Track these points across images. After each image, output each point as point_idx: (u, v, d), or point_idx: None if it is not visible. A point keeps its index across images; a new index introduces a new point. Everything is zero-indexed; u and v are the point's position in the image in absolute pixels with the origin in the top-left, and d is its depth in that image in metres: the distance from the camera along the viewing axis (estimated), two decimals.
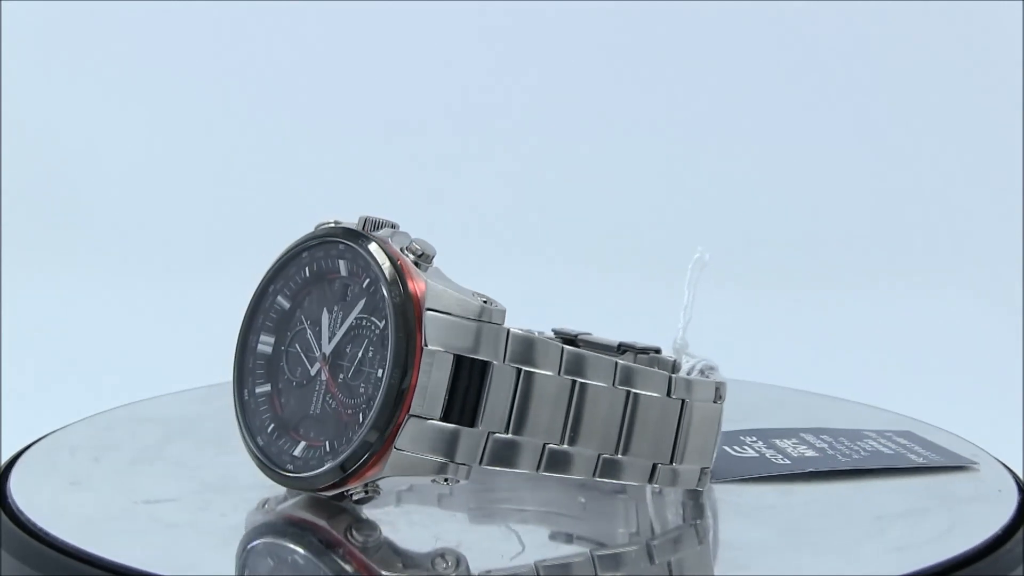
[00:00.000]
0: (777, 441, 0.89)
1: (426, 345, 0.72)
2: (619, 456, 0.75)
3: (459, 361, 0.72)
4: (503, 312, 0.73)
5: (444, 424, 0.72)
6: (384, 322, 0.74)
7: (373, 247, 0.75)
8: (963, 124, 1.49)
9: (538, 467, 0.74)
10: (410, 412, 0.72)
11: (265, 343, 0.79)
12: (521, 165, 1.55)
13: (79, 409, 0.94)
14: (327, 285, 0.77)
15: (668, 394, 0.76)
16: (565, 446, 0.74)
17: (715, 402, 0.78)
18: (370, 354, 0.75)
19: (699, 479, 0.78)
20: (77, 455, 0.85)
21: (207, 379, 0.99)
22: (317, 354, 0.77)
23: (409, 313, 0.72)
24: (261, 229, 1.53)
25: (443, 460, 0.72)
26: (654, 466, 0.76)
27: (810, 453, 0.86)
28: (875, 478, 0.84)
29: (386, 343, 0.73)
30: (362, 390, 0.74)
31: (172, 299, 1.41)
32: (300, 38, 1.68)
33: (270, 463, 0.77)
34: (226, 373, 0.95)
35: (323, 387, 0.76)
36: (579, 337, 0.90)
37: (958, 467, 0.85)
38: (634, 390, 0.75)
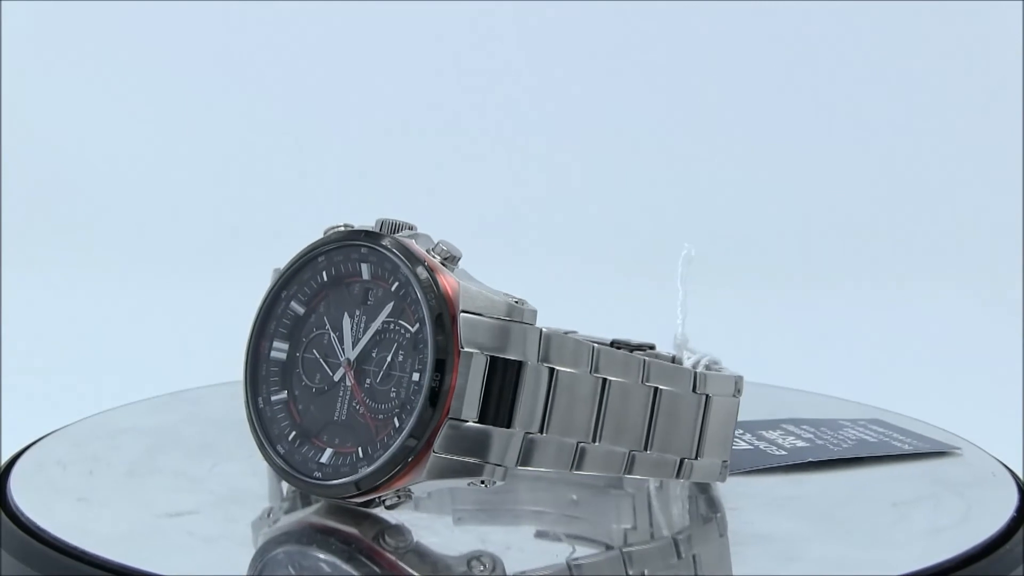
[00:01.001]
0: (764, 433, 0.90)
1: (462, 347, 0.72)
2: (648, 452, 0.76)
3: (493, 362, 0.72)
4: (535, 312, 0.73)
5: (482, 426, 0.71)
6: (417, 325, 0.73)
7: (400, 249, 0.74)
8: (963, 123, 1.51)
9: (572, 466, 0.75)
10: (448, 415, 0.71)
11: (279, 350, 0.78)
12: (511, 163, 1.54)
13: (79, 409, 0.92)
14: (345, 289, 0.76)
15: (693, 390, 0.77)
16: (597, 444, 0.74)
17: (734, 396, 0.79)
18: (400, 358, 0.74)
19: (720, 472, 0.79)
20: (70, 467, 0.83)
21: (205, 380, 0.99)
22: (341, 359, 0.76)
23: (445, 316, 0.72)
24: (260, 230, 1.54)
25: (481, 462, 0.72)
26: (681, 460, 0.77)
27: (801, 444, 0.88)
28: (867, 466, 0.86)
29: (419, 346, 0.73)
30: (393, 394, 0.74)
31: (172, 299, 1.37)
32: (299, 38, 1.66)
33: (295, 471, 0.75)
34: (218, 374, 0.97)
35: (348, 392, 0.75)
36: (567, 335, 0.90)
37: (941, 452, 0.88)
38: (661, 386, 0.76)
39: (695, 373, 0.77)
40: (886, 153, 1.54)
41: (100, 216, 1.62)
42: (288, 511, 0.79)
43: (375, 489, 0.73)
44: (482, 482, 0.73)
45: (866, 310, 1.43)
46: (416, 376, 0.73)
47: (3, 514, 0.75)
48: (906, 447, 0.88)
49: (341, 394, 0.76)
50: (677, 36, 1.58)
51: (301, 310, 0.77)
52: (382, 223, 0.76)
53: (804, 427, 0.92)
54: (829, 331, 1.38)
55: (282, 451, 0.76)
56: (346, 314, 0.76)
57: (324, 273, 0.77)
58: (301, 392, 0.77)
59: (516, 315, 0.72)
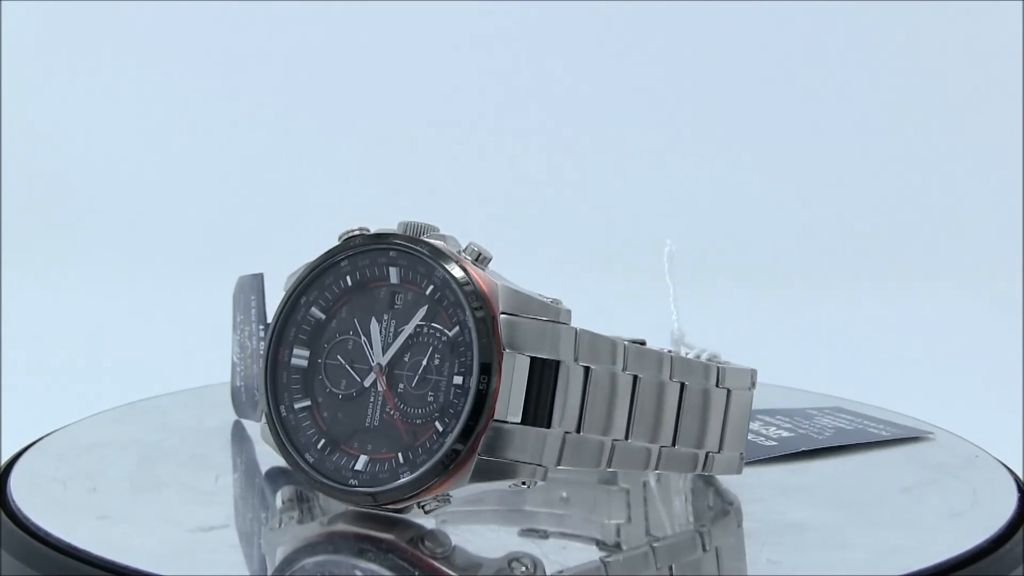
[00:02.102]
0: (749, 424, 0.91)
1: (504, 349, 0.71)
2: (675, 447, 0.77)
3: (532, 362, 0.72)
4: (569, 312, 0.73)
5: (525, 427, 0.71)
6: (456, 328, 0.73)
7: (434, 252, 0.73)
8: (964, 123, 1.53)
9: (607, 464, 0.75)
10: (494, 417, 0.71)
11: (299, 356, 0.76)
12: (505, 162, 1.53)
13: (80, 409, 0.91)
14: (370, 294, 0.75)
15: (717, 384, 0.78)
16: (629, 441, 0.75)
17: (749, 389, 0.80)
18: (436, 361, 0.73)
19: (738, 464, 0.80)
20: (71, 480, 0.80)
21: (199, 380, 0.98)
22: (372, 364, 0.75)
23: (488, 318, 0.72)
24: (260, 230, 1.51)
25: (524, 463, 0.72)
26: (706, 455, 0.78)
27: (786, 434, 0.90)
28: (850, 452, 0.88)
29: (459, 349, 0.72)
30: (431, 398, 0.73)
31: (171, 299, 1.33)
32: (299, 38, 1.64)
33: (327, 479, 0.74)
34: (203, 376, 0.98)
35: (379, 398, 0.74)
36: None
37: (915, 438, 0.91)
38: (687, 382, 0.77)
39: (718, 368, 0.78)
40: (885, 152, 1.55)
41: (99, 216, 1.60)
42: (300, 520, 0.78)
43: (417, 494, 0.72)
44: (523, 483, 0.73)
45: (865, 309, 1.44)
46: (459, 379, 0.72)
47: (3, 514, 0.74)
48: (883, 433, 0.91)
49: (372, 400, 0.75)
50: (678, 34, 1.59)
51: (322, 316, 0.76)
52: (406, 225, 0.75)
53: (779, 417, 0.93)
54: (827, 329, 1.40)
55: (311, 459, 0.75)
56: (373, 319, 0.75)
57: (348, 278, 0.76)
58: (325, 399, 0.76)
59: (553, 315, 0.72)
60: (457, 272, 0.73)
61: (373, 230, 0.76)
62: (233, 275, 0.89)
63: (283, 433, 0.76)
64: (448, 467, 0.71)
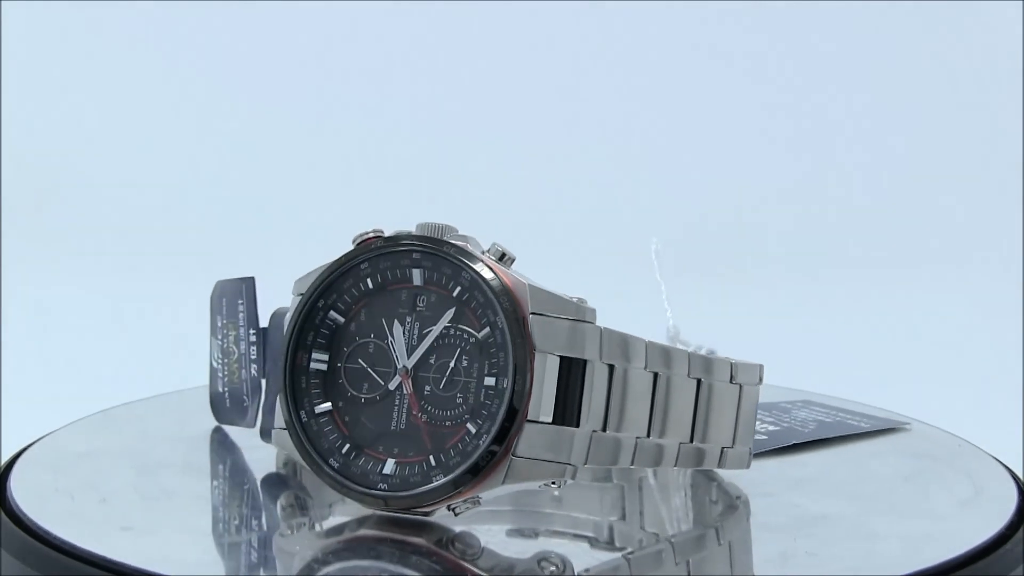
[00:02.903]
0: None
1: (536, 349, 0.71)
2: (693, 443, 0.77)
3: (561, 362, 0.72)
4: (594, 311, 0.73)
5: (556, 427, 0.72)
6: (487, 329, 0.73)
7: (461, 253, 0.73)
8: (964, 123, 1.54)
9: (632, 461, 0.75)
10: (527, 418, 0.71)
11: (319, 360, 0.75)
12: (501, 161, 1.53)
13: (80, 409, 0.91)
14: (390, 296, 0.75)
15: (730, 380, 0.79)
16: (652, 438, 0.75)
17: (758, 384, 0.81)
18: (464, 363, 0.73)
19: (748, 459, 0.81)
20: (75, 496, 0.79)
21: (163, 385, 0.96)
22: (399, 367, 0.74)
23: (520, 318, 0.72)
24: (260, 231, 1.48)
25: (556, 463, 0.72)
26: (722, 450, 0.79)
27: (772, 428, 0.91)
28: (838, 444, 0.89)
29: (489, 350, 0.72)
30: (460, 400, 0.73)
31: (169, 299, 1.29)
32: (300, 38, 1.63)
33: (355, 484, 0.73)
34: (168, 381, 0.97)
35: (405, 401, 0.74)
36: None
37: (892, 428, 0.92)
38: (703, 378, 0.77)
39: (731, 363, 0.79)
40: (884, 151, 1.56)
41: (98, 216, 1.58)
42: (311, 526, 0.77)
43: (450, 497, 0.72)
44: (553, 483, 0.73)
45: (864, 308, 1.45)
46: (491, 380, 0.72)
47: (3, 514, 0.74)
48: (863, 425, 0.92)
49: (397, 403, 0.74)
50: (680, 33, 1.59)
51: (341, 319, 0.75)
52: (426, 227, 0.75)
53: (759, 412, 0.94)
54: (825, 328, 1.41)
55: (336, 464, 0.74)
56: (396, 321, 0.75)
57: (368, 280, 0.75)
58: (346, 403, 0.75)
59: (580, 314, 0.73)
60: (486, 273, 0.73)
61: (393, 231, 0.76)
62: (207, 280, 0.88)
63: (305, 438, 0.75)
64: (483, 469, 0.71)
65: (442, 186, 1.50)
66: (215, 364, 0.90)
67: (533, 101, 1.57)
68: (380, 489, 0.73)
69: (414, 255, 0.74)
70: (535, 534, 0.79)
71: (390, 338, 0.74)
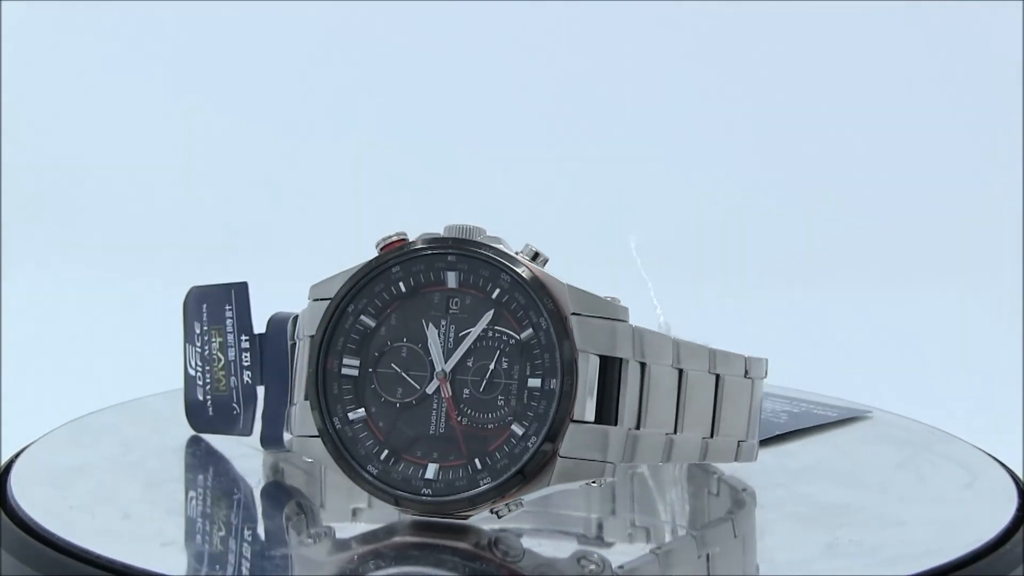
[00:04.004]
0: None
1: (579, 349, 0.72)
2: (715, 438, 0.79)
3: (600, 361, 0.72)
4: (627, 309, 0.74)
5: (598, 426, 0.72)
6: (529, 331, 0.72)
7: (500, 254, 0.73)
8: (964, 122, 1.53)
9: (667, 458, 0.76)
10: (572, 418, 0.72)
11: (350, 366, 0.74)
12: (497, 160, 1.51)
13: (79, 409, 0.90)
14: (422, 299, 0.74)
15: (745, 375, 0.80)
16: (679, 434, 0.76)
17: (763, 378, 0.83)
18: (503, 365, 0.73)
19: (755, 452, 0.82)
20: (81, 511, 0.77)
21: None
22: (436, 371, 0.73)
23: (563, 319, 0.72)
24: (261, 231, 1.45)
25: (598, 462, 0.72)
26: (738, 443, 0.80)
27: None
28: (811, 434, 0.92)
29: (531, 352, 0.72)
30: (501, 402, 0.73)
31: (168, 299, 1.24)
32: (302, 38, 1.59)
33: (396, 490, 0.73)
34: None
35: (443, 405, 0.73)
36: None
37: (856, 417, 0.95)
38: (722, 373, 0.79)
39: (745, 358, 0.80)
40: (883, 150, 1.56)
41: (98, 216, 1.55)
42: (330, 532, 0.76)
43: (498, 500, 0.72)
44: (593, 482, 0.73)
45: (863, 308, 1.45)
46: (535, 382, 0.72)
47: (3, 514, 0.74)
48: (831, 415, 0.95)
49: (435, 407, 0.73)
50: (685, 33, 1.58)
51: (371, 324, 0.74)
52: (455, 228, 0.75)
53: None
54: (823, 328, 1.41)
55: (375, 471, 0.73)
56: (431, 325, 0.74)
57: (400, 284, 0.74)
58: (379, 408, 0.74)
59: (615, 313, 0.73)
60: (527, 274, 0.72)
61: (423, 234, 0.75)
62: (181, 286, 0.86)
63: (341, 445, 0.73)
64: (534, 470, 0.71)
65: (436, 188, 1.49)
66: (192, 371, 0.87)
67: (532, 101, 1.58)
68: (424, 494, 0.72)
69: (449, 257, 0.74)
70: (520, 533, 0.79)
71: (429, 342, 0.74)
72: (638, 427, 0.74)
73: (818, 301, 1.45)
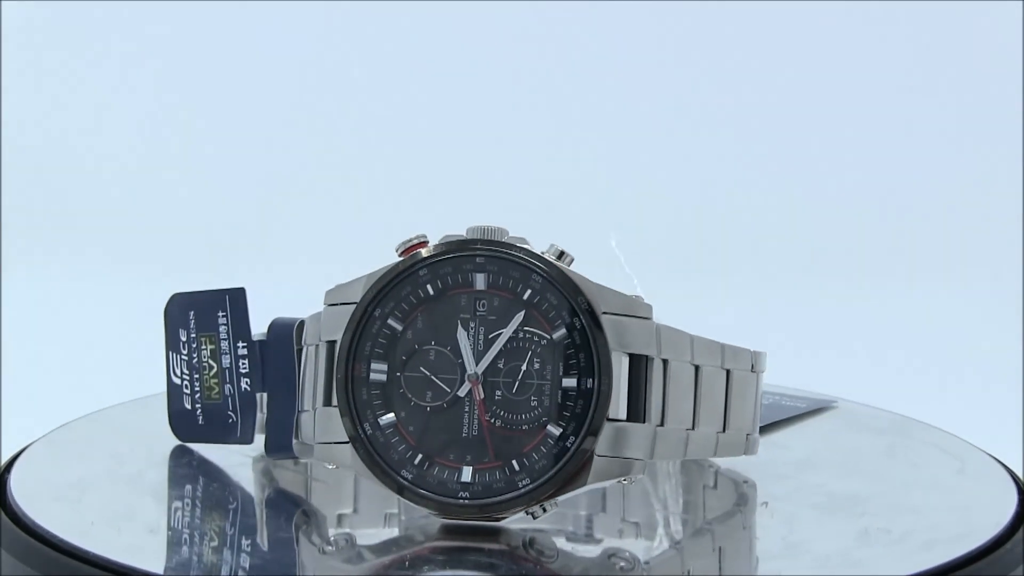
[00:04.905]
0: None
1: (611, 348, 0.72)
2: (726, 432, 0.80)
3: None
4: (651, 307, 0.75)
5: (631, 424, 0.73)
6: (562, 331, 0.73)
7: (530, 255, 0.73)
8: (964, 122, 1.53)
9: (686, 453, 0.77)
10: (608, 416, 0.72)
11: (378, 371, 0.74)
12: (495, 157, 1.49)
13: (80, 409, 0.90)
14: (448, 302, 0.74)
15: (751, 369, 0.81)
16: (695, 430, 0.77)
17: (764, 371, 0.84)
18: (536, 366, 0.73)
19: (758, 445, 0.84)
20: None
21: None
22: (468, 373, 0.73)
23: (598, 318, 0.72)
24: (260, 232, 1.42)
25: (631, 459, 0.73)
26: (747, 436, 0.81)
27: None
28: (784, 425, 0.93)
29: (565, 351, 0.73)
30: (535, 402, 0.73)
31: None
32: (304, 38, 1.57)
33: (432, 494, 0.72)
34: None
35: (475, 407, 0.73)
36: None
37: (824, 408, 0.97)
38: (732, 368, 0.80)
39: (752, 353, 0.81)
40: (882, 150, 1.56)
41: (97, 216, 1.53)
42: (350, 538, 0.76)
43: (537, 501, 0.72)
44: (624, 480, 0.74)
45: (863, 308, 1.45)
46: (569, 381, 0.72)
47: (3, 514, 0.74)
48: (800, 406, 0.96)
49: (467, 410, 0.73)
50: (686, 33, 1.57)
51: (398, 327, 0.74)
52: (477, 230, 0.74)
53: None
54: (822, 328, 1.41)
55: (409, 476, 0.73)
56: (460, 327, 0.74)
57: (428, 287, 0.74)
58: (409, 412, 0.73)
59: (642, 311, 0.74)
60: (559, 274, 0.73)
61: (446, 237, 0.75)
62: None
63: (374, 451, 0.73)
64: (572, 470, 0.72)
65: (425, 191, 1.48)
66: (176, 380, 0.86)
67: (531, 101, 1.57)
68: (462, 498, 0.72)
69: (477, 259, 0.73)
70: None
71: (459, 344, 0.73)
72: (662, 424, 0.75)
73: (818, 301, 1.46)
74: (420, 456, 0.73)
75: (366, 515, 0.79)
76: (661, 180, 1.51)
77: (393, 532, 0.77)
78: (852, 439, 0.91)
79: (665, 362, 0.74)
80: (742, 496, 0.82)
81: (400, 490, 0.73)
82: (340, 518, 0.79)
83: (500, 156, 1.48)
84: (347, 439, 0.73)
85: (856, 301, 1.47)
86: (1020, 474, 0.83)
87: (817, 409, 0.96)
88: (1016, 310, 1.42)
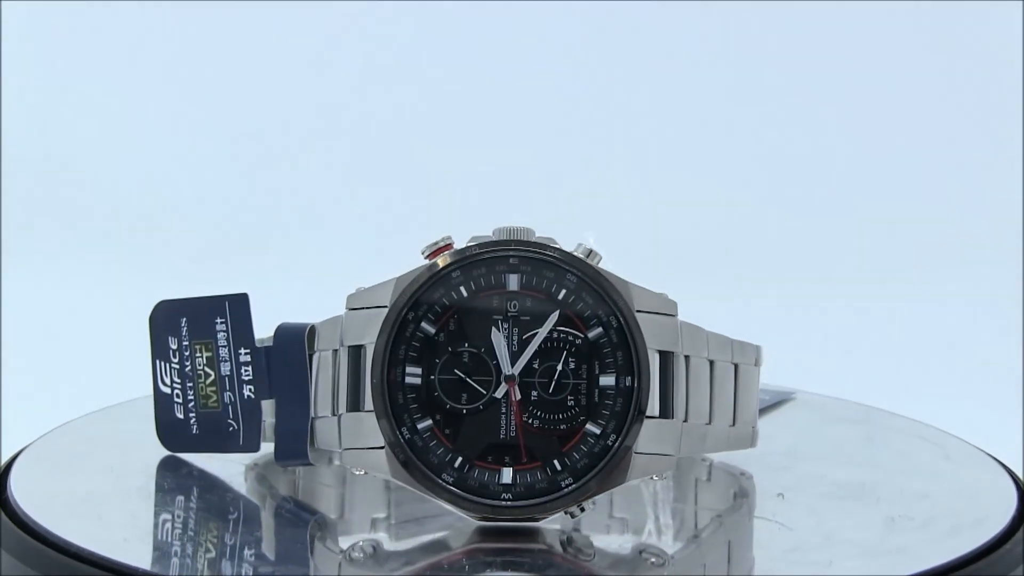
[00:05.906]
0: None
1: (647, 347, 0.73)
2: (734, 426, 0.81)
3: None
4: (676, 304, 0.76)
5: (664, 420, 0.74)
6: (599, 330, 0.73)
7: (564, 255, 0.74)
8: (964, 122, 1.52)
9: (706, 448, 0.78)
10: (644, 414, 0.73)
11: (413, 375, 0.73)
12: (492, 158, 1.47)
13: (80, 409, 0.90)
14: (480, 303, 0.74)
15: (755, 363, 0.83)
16: (711, 424, 0.79)
17: (761, 364, 0.85)
18: (571, 365, 0.74)
19: (758, 437, 0.85)
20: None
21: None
22: (504, 374, 0.73)
23: (634, 317, 0.73)
24: (262, 232, 1.38)
25: (664, 455, 0.74)
26: (751, 429, 0.83)
27: None
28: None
29: (599, 351, 0.73)
30: (571, 402, 0.73)
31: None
32: (312, 37, 1.54)
33: (475, 497, 0.72)
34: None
35: (512, 408, 0.73)
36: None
37: (785, 400, 0.99)
38: (739, 362, 0.81)
39: (757, 347, 0.83)
40: (881, 150, 1.54)
41: (97, 216, 1.50)
42: (378, 546, 0.75)
43: (579, 500, 0.73)
44: (655, 476, 0.75)
45: (862, 308, 1.45)
46: (608, 380, 0.73)
47: (3, 514, 0.73)
48: (765, 397, 0.98)
49: (504, 411, 0.73)
50: (685, 33, 1.55)
51: (432, 330, 0.74)
52: (507, 231, 0.75)
53: None
54: (821, 328, 1.40)
55: (450, 480, 0.73)
56: (493, 329, 0.74)
57: (461, 288, 0.74)
58: (445, 416, 0.73)
59: (670, 308, 0.75)
60: (593, 274, 0.73)
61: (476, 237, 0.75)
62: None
63: (414, 456, 0.73)
64: (613, 468, 0.72)
65: (432, 189, 1.45)
66: (165, 389, 0.84)
67: (531, 101, 1.55)
68: (504, 500, 0.72)
69: (511, 260, 0.74)
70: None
71: (495, 346, 0.73)
72: (686, 419, 0.76)
73: (816, 300, 1.47)
74: (460, 459, 0.73)
75: (351, 521, 0.79)
76: (661, 181, 1.52)
77: (396, 536, 0.77)
78: (828, 430, 0.93)
79: (687, 358, 0.76)
80: (742, 489, 0.84)
81: (441, 494, 0.72)
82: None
83: (500, 156, 1.48)
84: (380, 444, 0.73)
85: (853, 300, 1.48)
86: (1020, 474, 0.84)
87: (779, 401, 0.98)
88: (1016, 310, 1.43)
